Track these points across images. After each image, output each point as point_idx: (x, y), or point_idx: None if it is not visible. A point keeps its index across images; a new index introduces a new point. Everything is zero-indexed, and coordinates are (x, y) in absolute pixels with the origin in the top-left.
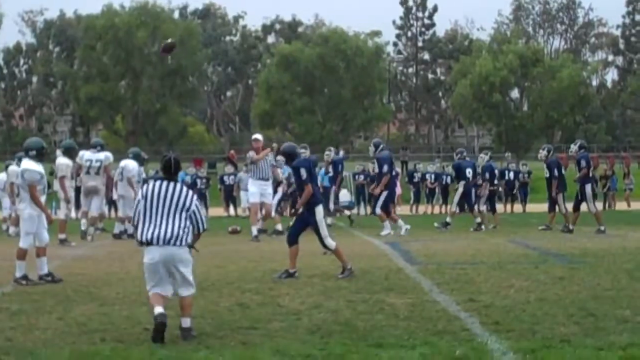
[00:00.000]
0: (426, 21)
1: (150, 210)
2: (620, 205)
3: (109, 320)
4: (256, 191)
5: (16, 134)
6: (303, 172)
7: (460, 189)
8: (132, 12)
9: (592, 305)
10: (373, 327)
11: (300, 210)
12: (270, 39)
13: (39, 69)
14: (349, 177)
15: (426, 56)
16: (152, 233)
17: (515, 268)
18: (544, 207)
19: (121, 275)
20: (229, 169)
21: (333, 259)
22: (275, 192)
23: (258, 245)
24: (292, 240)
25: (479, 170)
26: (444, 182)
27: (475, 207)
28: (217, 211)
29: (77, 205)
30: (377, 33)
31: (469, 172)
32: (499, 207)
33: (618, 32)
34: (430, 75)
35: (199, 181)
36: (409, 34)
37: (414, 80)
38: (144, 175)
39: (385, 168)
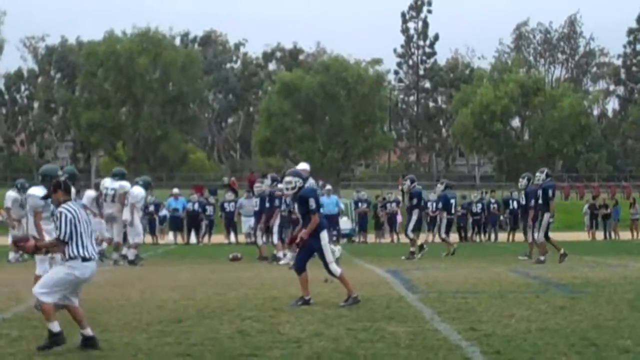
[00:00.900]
0: (427, 49)
1: (83, 230)
2: (624, 235)
3: (109, 346)
4: None
5: (17, 160)
6: (312, 202)
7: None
8: (134, 39)
9: (593, 335)
10: (374, 355)
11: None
12: (271, 66)
13: (40, 95)
14: (350, 204)
15: (427, 84)
16: (91, 250)
17: (517, 297)
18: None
19: (122, 302)
20: (230, 195)
21: (334, 286)
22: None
23: (258, 273)
24: (300, 267)
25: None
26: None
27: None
28: (218, 238)
29: None
30: (378, 61)
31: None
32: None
33: (619, 62)
34: (431, 104)
35: (208, 208)
36: (410, 62)
37: (415, 109)
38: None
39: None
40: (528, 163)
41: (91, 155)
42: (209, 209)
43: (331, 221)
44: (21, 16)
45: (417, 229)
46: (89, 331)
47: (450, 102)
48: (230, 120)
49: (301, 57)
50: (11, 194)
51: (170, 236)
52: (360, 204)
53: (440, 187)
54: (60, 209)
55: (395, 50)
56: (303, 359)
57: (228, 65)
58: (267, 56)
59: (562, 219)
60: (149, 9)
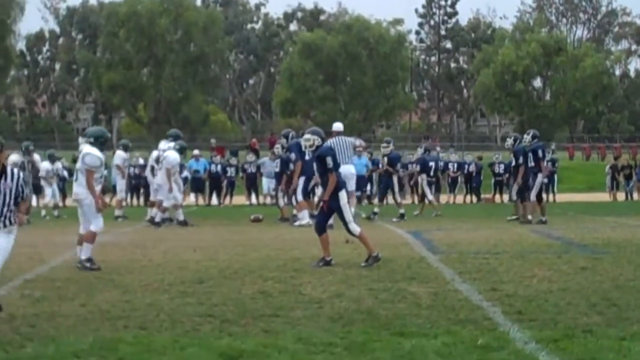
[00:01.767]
0: (449, 10)
1: None
2: None
3: (131, 307)
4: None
5: (39, 122)
6: (329, 161)
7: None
8: (155, 0)
9: (614, 295)
10: (395, 315)
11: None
12: (293, 26)
13: (61, 56)
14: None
15: (448, 45)
16: None
17: (538, 258)
18: (567, 197)
19: (144, 263)
20: (251, 157)
21: (354, 247)
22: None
23: (279, 234)
24: (321, 229)
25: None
26: (466, 171)
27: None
28: (239, 199)
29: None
30: (399, 21)
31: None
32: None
33: None
34: (452, 64)
35: (229, 169)
36: (432, 22)
37: (436, 69)
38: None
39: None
40: (550, 123)
41: (112, 116)
42: (230, 171)
43: (360, 182)
44: None
45: (401, 191)
46: None
47: (472, 62)
48: (251, 81)
49: (322, 17)
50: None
51: (191, 198)
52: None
53: (419, 150)
54: None
55: (416, 11)
56: (325, 320)
57: (249, 26)
58: (288, 16)
59: (583, 180)
60: None
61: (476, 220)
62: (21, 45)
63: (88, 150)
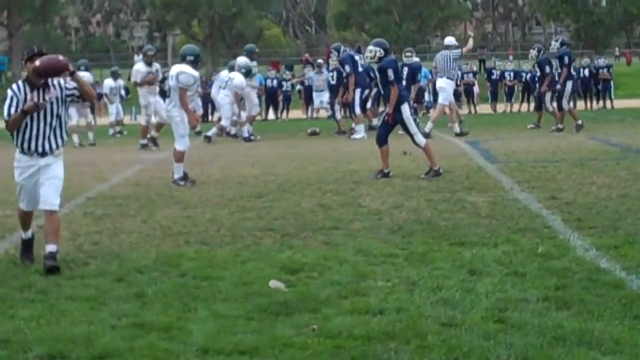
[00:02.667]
0: None
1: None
2: None
3: (192, 223)
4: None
5: (94, 41)
6: (390, 73)
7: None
8: None
9: None
10: (454, 225)
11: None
12: None
13: None
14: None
15: None
16: None
17: (597, 165)
18: (625, 103)
19: (202, 179)
20: (308, 70)
21: (412, 158)
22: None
23: (337, 147)
24: (382, 140)
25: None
26: (523, 80)
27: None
28: (295, 114)
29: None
30: None
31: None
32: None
33: None
34: None
35: (284, 84)
36: None
37: None
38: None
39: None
40: (606, 30)
41: (167, 34)
42: (285, 85)
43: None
44: None
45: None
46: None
47: None
48: None
49: None
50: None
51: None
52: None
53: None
54: None
55: None
56: (384, 231)
57: None
58: None
59: None
60: None
61: (534, 128)
62: None
63: (182, 69)
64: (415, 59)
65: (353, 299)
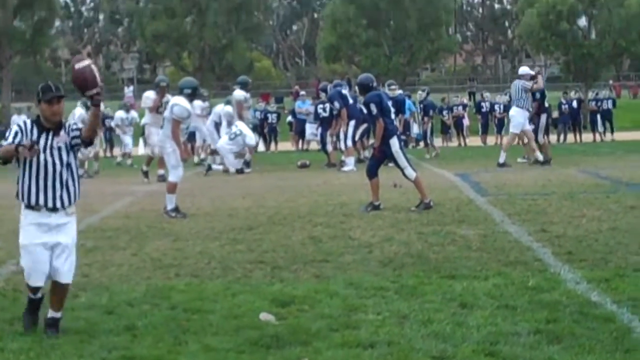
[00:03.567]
0: None
1: None
2: None
3: (182, 255)
4: None
5: None
6: (373, 108)
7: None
8: None
9: None
10: (445, 258)
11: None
12: None
13: (105, 7)
14: (418, 108)
15: None
16: None
17: (587, 198)
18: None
19: (193, 211)
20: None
21: (403, 191)
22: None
23: (327, 179)
24: (372, 173)
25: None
26: None
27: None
28: (285, 146)
29: None
30: None
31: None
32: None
33: None
34: (496, 5)
35: (269, 116)
36: None
37: (480, 11)
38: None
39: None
40: (595, 62)
41: (157, 66)
42: (271, 117)
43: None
44: None
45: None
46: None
47: (516, 3)
48: (294, 27)
49: None
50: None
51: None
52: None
53: (422, 93)
54: None
55: None
56: (375, 264)
57: None
58: None
59: (631, 119)
60: None
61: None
62: None
63: (177, 102)
64: (399, 92)
65: (344, 332)
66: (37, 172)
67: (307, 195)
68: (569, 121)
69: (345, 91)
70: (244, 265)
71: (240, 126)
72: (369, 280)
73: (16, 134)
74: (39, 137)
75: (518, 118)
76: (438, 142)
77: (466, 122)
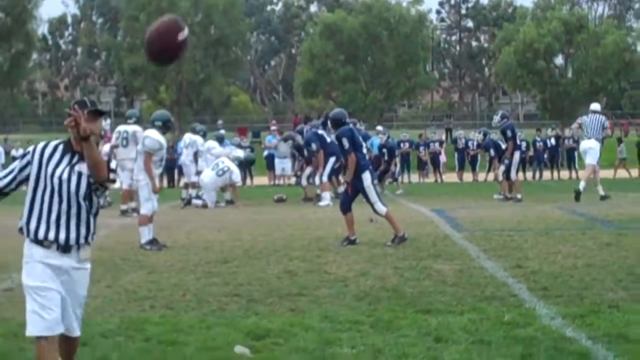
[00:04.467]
0: None
1: None
2: None
3: (157, 287)
4: None
5: (61, 105)
6: (345, 142)
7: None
8: None
9: None
10: (421, 293)
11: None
12: (313, 7)
13: (83, 40)
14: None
15: (469, 24)
16: None
17: (562, 234)
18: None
19: (169, 243)
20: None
21: (379, 226)
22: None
23: (303, 214)
24: (346, 208)
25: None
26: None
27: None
28: (261, 180)
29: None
30: (419, 1)
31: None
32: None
33: None
34: (473, 43)
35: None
36: (452, 1)
37: (458, 48)
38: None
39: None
40: (572, 101)
41: (134, 99)
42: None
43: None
44: None
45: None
46: None
47: (493, 41)
48: (272, 63)
49: None
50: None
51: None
52: (402, 145)
53: (383, 136)
54: None
55: None
56: (350, 298)
57: (270, 8)
58: None
59: (606, 157)
60: None
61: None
62: (43, 29)
63: (148, 134)
64: (361, 128)
65: None
66: (50, 197)
67: (283, 229)
68: (544, 158)
69: (321, 131)
70: (219, 298)
71: (227, 162)
72: (345, 314)
73: (25, 154)
74: (62, 156)
75: (597, 150)
76: (414, 177)
77: (443, 158)
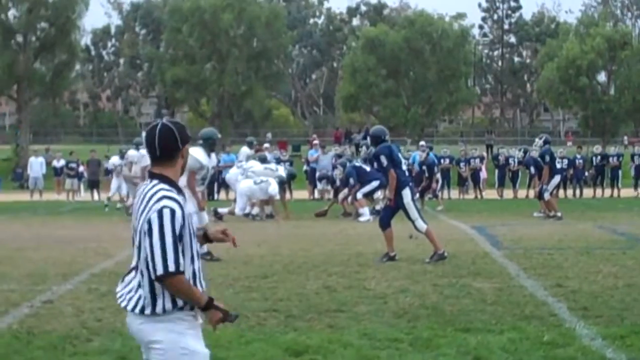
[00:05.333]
0: (512, 3)
1: None
2: None
3: None
4: None
5: (102, 116)
6: (383, 160)
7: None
8: None
9: None
10: (460, 311)
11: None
12: (355, 21)
13: (125, 52)
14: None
15: (512, 39)
16: None
17: (603, 254)
18: (632, 192)
19: (208, 258)
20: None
21: (419, 243)
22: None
23: (343, 229)
24: (385, 224)
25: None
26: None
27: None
28: (301, 194)
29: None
30: (462, 16)
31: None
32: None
33: None
34: (516, 59)
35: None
36: (495, 16)
37: (500, 64)
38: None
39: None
40: (614, 118)
41: (175, 111)
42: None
43: (418, 178)
44: None
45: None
46: None
47: (535, 56)
48: (314, 76)
49: (385, 12)
50: (133, 152)
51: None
52: (443, 160)
53: (422, 154)
54: None
55: (479, 5)
56: (389, 315)
57: (312, 21)
58: (351, 11)
59: None
60: None
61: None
62: (86, 40)
63: (192, 152)
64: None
65: None
66: (191, 254)
67: (323, 244)
68: (584, 176)
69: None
70: (257, 313)
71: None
72: (383, 332)
73: (182, 230)
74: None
75: None
76: (454, 194)
77: (483, 174)
